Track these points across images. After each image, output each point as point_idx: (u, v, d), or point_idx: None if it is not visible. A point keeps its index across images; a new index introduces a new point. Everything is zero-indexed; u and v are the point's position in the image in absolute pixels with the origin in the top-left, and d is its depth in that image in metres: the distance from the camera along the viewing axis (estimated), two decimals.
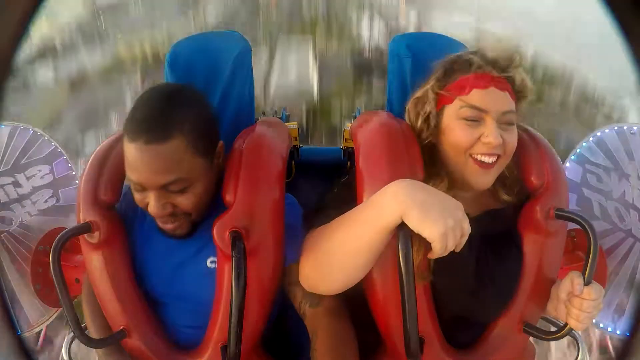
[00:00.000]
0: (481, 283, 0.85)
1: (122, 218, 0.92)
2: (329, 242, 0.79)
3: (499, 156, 0.82)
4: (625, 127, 1.28)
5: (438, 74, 0.87)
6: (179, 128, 0.79)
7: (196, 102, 0.86)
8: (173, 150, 0.78)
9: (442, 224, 0.66)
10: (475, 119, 0.81)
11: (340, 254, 0.77)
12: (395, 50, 1.08)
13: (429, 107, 0.86)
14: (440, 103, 0.86)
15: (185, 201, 0.82)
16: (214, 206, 0.87)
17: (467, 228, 0.69)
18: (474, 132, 0.81)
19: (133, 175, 0.81)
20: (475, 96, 0.81)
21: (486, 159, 0.82)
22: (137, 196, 0.83)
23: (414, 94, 0.91)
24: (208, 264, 0.90)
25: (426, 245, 0.71)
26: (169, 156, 0.78)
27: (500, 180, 0.89)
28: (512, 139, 0.83)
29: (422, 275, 0.80)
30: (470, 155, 0.82)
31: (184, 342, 0.93)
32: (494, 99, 0.81)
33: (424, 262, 0.79)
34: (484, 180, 0.84)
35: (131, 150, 0.79)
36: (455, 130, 0.83)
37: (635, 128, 1.26)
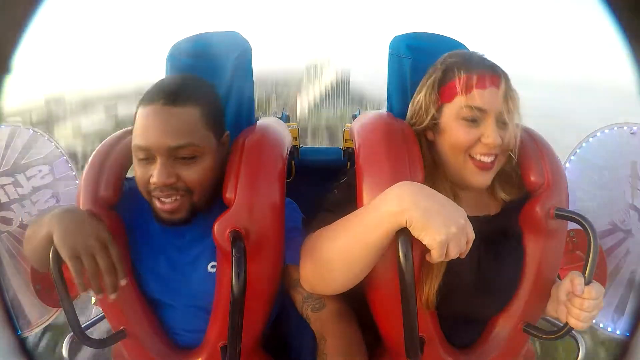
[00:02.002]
0: (482, 283, 0.85)
1: (122, 218, 0.91)
2: (329, 244, 0.78)
3: (496, 155, 0.84)
4: (625, 127, 1.28)
5: (437, 74, 0.87)
6: (195, 99, 0.83)
7: (212, 88, 0.92)
8: (188, 116, 0.81)
9: (443, 233, 0.66)
10: (475, 119, 0.82)
11: (340, 256, 0.77)
12: (395, 51, 1.08)
13: (430, 105, 0.87)
14: (440, 101, 0.86)
15: (190, 174, 0.81)
16: (214, 204, 0.87)
17: (472, 235, 0.69)
18: (474, 132, 0.82)
19: (143, 140, 0.80)
20: (477, 96, 0.81)
21: (485, 159, 0.83)
22: (140, 171, 0.82)
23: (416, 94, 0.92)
24: (209, 268, 0.89)
25: (426, 250, 0.70)
26: (183, 119, 0.80)
27: (501, 176, 0.90)
28: (509, 136, 0.84)
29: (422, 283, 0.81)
30: (470, 155, 0.83)
31: (180, 346, 0.93)
32: (494, 98, 0.82)
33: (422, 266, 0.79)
34: (483, 179, 0.85)
35: (146, 113, 0.80)
36: (454, 130, 0.84)
37: (635, 128, 1.26)
